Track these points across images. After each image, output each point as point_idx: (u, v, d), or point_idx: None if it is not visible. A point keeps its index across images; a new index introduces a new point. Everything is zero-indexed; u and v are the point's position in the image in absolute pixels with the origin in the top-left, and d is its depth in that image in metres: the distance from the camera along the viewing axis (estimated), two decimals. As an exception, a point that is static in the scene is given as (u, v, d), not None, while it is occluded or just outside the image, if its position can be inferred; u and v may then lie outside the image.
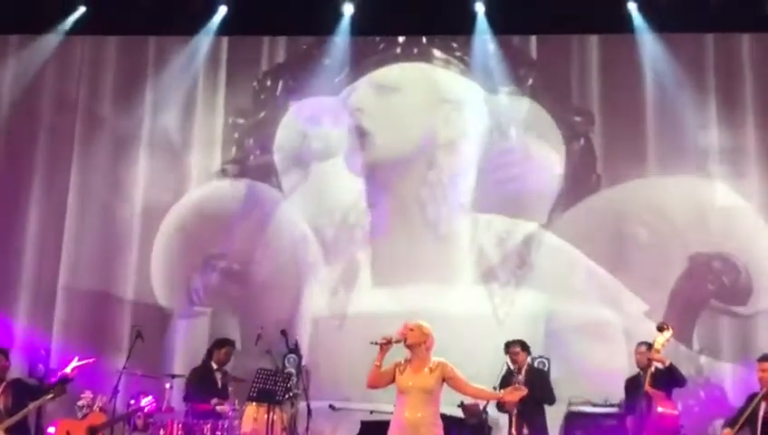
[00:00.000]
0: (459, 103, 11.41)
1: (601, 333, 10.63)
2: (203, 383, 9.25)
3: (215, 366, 9.34)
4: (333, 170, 11.39)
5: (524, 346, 9.02)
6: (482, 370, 8.53)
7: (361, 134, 11.37)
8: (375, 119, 11.40)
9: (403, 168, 11.32)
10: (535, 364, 9.50)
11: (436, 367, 6.84)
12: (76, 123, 11.67)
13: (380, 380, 6.81)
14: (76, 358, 8.73)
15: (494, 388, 8.19)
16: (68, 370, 8.65)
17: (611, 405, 9.65)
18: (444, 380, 6.84)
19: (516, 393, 7.13)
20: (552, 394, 8.98)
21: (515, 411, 8.48)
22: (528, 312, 10.78)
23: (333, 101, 11.52)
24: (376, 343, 6.75)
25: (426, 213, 11.23)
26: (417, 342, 6.81)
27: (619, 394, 9.27)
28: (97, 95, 11.76)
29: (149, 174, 11.54)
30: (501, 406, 8.51)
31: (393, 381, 6.84)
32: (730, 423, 7.96)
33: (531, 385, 8.62)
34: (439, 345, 6.93)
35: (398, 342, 6.78)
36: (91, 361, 8.77)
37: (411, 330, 6.83)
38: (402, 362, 6.85)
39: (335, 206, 11.33)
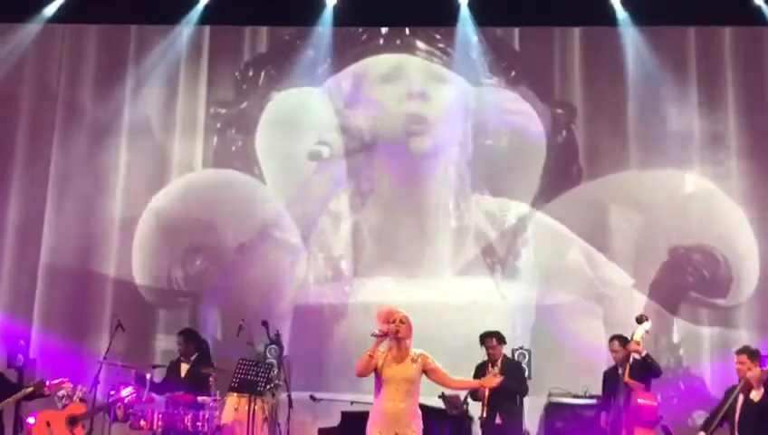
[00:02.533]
0: (443, 95, 11.40)
1: (583, 324, 10.68)
2: (169, 372, 9.33)
3: (182, 357, 9.39)
4: (317, 160, 11.38)
5: (500, 338, 9.02)
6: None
7: (349, 122, 11.38)
8: (363, 106, 11.42)
9: (389, 156, 11.31)
10: (516, 356, 9.55)
11: (418, 358, 6.87)
12: (56, 112, 11.60)
13: (370, 369, 6.82)
14: (63, 379, 8.83)
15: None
16: (48, 383, 8.68)
17: (591, 396, 9.69)
18: (424, 371, 6.87)
19: (494, 379, 7.23)
20: (525, 386, 9.00)
21: (486, 400, 8.50)
22: (509, 303, 10.81)
23: (317, 91, 11.50)
24: (375, 335, 6.75)
25: (409, 203, 11.24)
26: (406, 335, 6.85)
27: (598, 384, 9.30)
28: (77, 84, 11.68)
29: (130, 163, 11.49)
30: (474, 394, 8.58)
31: (375, 369, 6.85)
32: (704, 426, 7.99)
33: (506, 378, 8.69)
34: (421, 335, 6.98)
35: (391, 333, 6.80)
36: (69, 385, 8.82)
37: (402, 322, 6.85)
38: (382, 351, 6.86)
39: (319, 195, 11.32)
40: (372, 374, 6.89)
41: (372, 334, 6.76)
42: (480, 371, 8.74)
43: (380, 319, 6.88)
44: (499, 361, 8.91)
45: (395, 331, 6.79)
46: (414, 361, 6.85)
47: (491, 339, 8.97)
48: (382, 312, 6.95)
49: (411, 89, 11.42)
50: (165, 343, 10.57)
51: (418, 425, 6.85)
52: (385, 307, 7.04)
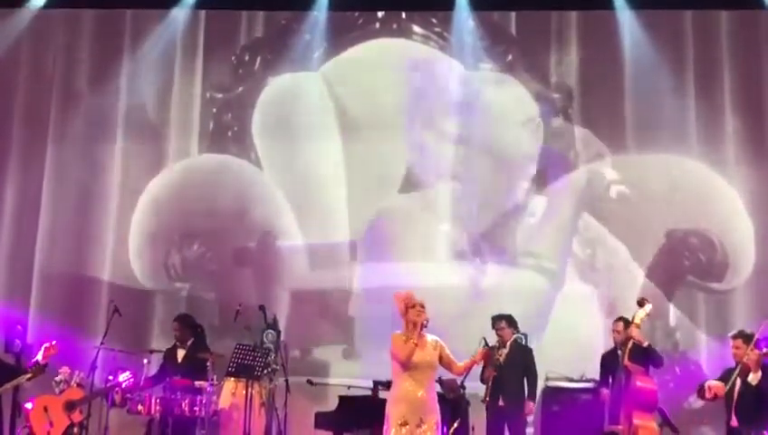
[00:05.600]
0: (439, 79, 11.37)
1: (580, 308, 10.70)
2: (166, 359, 9.31)
3: (178, 343, 9.34)
4: (313, 145, 11.36)
5: (510, 321, 9.03)
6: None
7: (344, 108, 11.37)
8: (354, 91, 11.39)
9: (384, 141, 11.30)
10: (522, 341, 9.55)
11: (436, 344, 7.03)
12: (52, 99, 11.55)
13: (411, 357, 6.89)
14: (46, 344, 8.76)
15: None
16: (39, 357, 8.68)
17: (588, 380, 9.71)
18: (439, 357, 6.96)
19: (482, 353, 7.35)
20: (535, 372, 9.03)
21: (490, 383, 8.56)
22: (507, 288, 10.81)
23: (313, 75, 11.46)
24: (423, 325, 6.99)
25: (407, 186, 11.23)
26: (426, 321, 6.94)
27: (595, 368, 9.32)
28: (73, 70, 11.64)
29: (126, 149, 11.46)
30: (482, 377, 8.65)
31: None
32: (722, 378, 7.94)
33: (513, 360, 8.74)
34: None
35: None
36: (54, 343, 8.76)
37: (422, 307, 6.96)
38: (411, 335, 6.91)
39: (315, 181, 11.30)
40: (391, 361, 6.97)
41: (424, 325, 6.94)
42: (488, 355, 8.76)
43: (401, 302, 6.95)
44: (508, 344, 8.92)
45: (427, 319, 6.94)
46: (434, 347, 6.98)
47: (501, 321, 9.00)
48: (401, 295, 7.02)
49: (404, 72, 11.40)
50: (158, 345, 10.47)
51: (438, 410, 6.99)
52: (403, 291, 7.11)
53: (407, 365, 6.90)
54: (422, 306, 7.00)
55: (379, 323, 10.03)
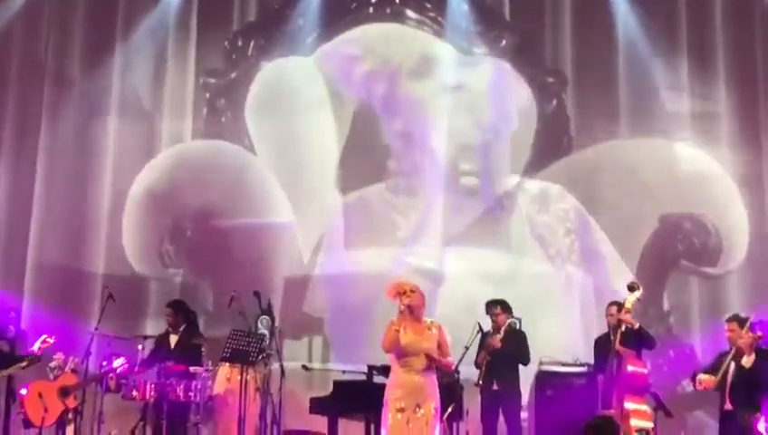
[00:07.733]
0: (433, 64, 11.35)
1: (572, 292, 10.71)
2: (158, 345, 9.30)
3: (171, 329, 9.32)
4: (307, 130, 11.34)
5: (505, 307, 9.05)
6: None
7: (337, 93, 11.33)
8: (347, 78, 11.37)
9: (378, 128, 11.27)
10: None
11: (434, 327, 6.94)
12: (44, 84, 11.52)
13: (397, 343, 6.86)
14: (44, 336, 8.85)
15: (466, 348, 8.30)
16: (35, 347, 8.73)
17: (581, 365, 9.72)
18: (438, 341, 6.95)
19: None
20: (528, 355, 9.07)
21: (485, 367, 8.59)
22: (499, 272, 10.82)
23: (306, 60, 11.43)
24: (402, 311, 6.88)
25: (398, 174, 11.22)
26: (419, 304, 6.89)
27: (588, 353, 9.33)
28: (66, 56, 11.62)
29: (120, 135, 11.45)
30: (476, 361, 8.69)
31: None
32: (711, 371, 7.95)
33: (507, 345, 8.77)
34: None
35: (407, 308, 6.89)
36: (52, 340, 8.85)
37: (413, 291, 6.89)
38: (397, 321, 6.89)
39: (308, 166, 11.29)
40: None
41: (401, 311, 6.83)
42: (484, 341, 8.79)
43: (390, 294, 6.93)
44: (502, 329, 8.94)
45: (410, 305, 6.87)
46: (431, 332, 6.91)
47: (495, 307, 9.00)
48: (391, 287, 7.00)
49: (398, 58, 11.38)
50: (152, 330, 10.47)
51: (437, 395, 6.93)
52: (392, 282, 7.09)
53: (395, 352, 6.88)
54: (412, 291, 6.96)
55: (353, 308, 10.08)
